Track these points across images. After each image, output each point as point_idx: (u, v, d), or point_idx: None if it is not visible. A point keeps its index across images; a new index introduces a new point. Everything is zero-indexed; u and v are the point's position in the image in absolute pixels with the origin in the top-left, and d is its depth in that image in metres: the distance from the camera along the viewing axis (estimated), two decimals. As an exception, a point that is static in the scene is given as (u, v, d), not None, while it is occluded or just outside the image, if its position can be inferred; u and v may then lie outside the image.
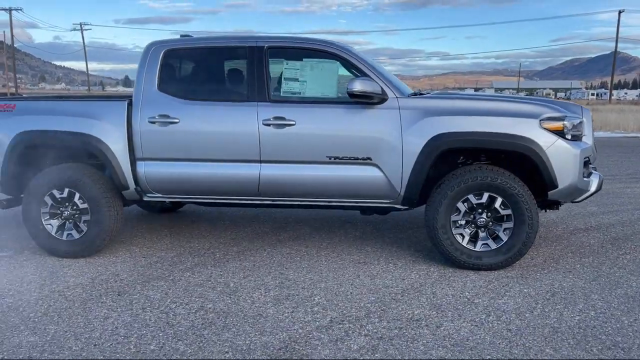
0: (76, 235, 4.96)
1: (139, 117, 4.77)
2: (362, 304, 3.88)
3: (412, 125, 4.43)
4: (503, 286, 4.17)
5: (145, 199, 5.05)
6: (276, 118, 4.58)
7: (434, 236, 4.49)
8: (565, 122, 4.34)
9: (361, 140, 4.51)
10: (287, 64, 4.74)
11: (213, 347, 3.29)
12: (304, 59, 4.74)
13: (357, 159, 4.53)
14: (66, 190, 4.90)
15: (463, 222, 4.50)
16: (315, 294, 4.08)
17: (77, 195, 4.89)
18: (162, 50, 4.87)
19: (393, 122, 4.46)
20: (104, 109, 4.88)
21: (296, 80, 4.70)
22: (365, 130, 4.52)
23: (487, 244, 4.47)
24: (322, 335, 3.40)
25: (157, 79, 4.82)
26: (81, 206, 4.91)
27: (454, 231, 4.48)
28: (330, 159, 4.57)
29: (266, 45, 4.73)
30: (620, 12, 58.75)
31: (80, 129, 4.81)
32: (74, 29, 78.87)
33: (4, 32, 66.55)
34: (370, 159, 4.51)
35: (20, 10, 72.95)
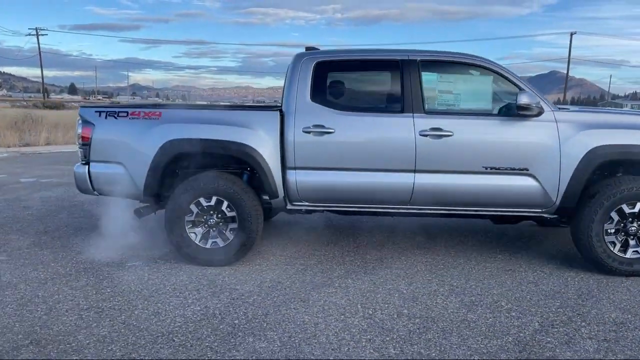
0: (221, 244, 4.94)
1: (293, 126, 4.82)
2: (553, 309, 4.03)
3: (570, 137, 4.64)
4: (667, 291, 4.42)
5: (288, 207, 5.08)
6: (433, 129, 4.71)
7: (588, 244, 4.70)
8: None
9: (519, 151, 4.69)
10: (440, 77, 4.89)
11: (452, 350, 3.37)
12: (456, 73, 4.91)
13: (514, 169, 4.71)
14: (214, 198, 4.88)
15: (613, 231, 4.73)
16: (498, 300, 4.20)
17: (226, 203, 4.88)
18: (313, 62, 4.94)
19: (551, 135, 4.66)
20: (257, 118, 4.90)
21: (450, 92, 4.86)
22: (523, 142, 4.70)
23: (637, 250, 4.71)
24: (548, 338, 3.53)
25: (309, 90, 4.88)
26: (229, 214, 4.90)
27: (606, 239, 4.70)
28: (486, 169, 4.72)
29: (419, 58, 4.87)
30: (572, 34, 61.18)
31: (233, 137, 4.81)
32: (29, 34, 76.05)
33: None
34: (527, 170, 4.69)
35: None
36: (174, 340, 3.49)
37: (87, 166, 5.02)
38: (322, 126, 4.79)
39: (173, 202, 4.90)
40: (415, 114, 4.76)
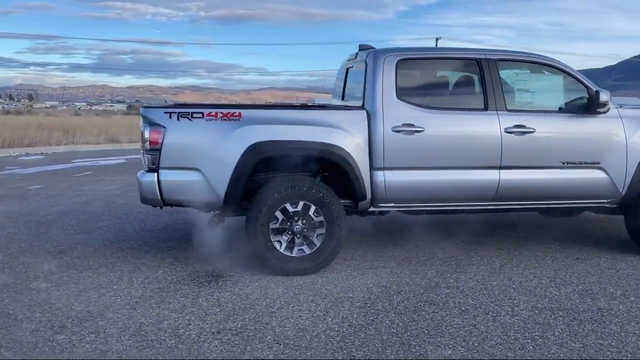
0: (307, 251, 4.68)
1: (382, 126, 4.69)
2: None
3: (635, 131, 5.01)
4: None
5: (370, 209, 4.94)
6: (517, 126, 4.85)
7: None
8: None
9: (591, 146, 4.98)
10: (517, 75, 5.03)
11: (622, 338, 3.50)
12: (530, 72, 5.08)
13: (587, 163, 4.99)
14: (301, 203, 4.61)
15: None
16: (604, 287, 4.42)
17: (313, 208, 4.63)
18: (395, 60, 4.84)
19: (618, 129, 5.01)
20: (345, 118, 4.71)
21: (527, 90, 5.03)
22: (595, 137, 5.00)
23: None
24: (690, 318, 3.81)
25: (395, 88, 4.78)
26: (316, 219, 4.66)
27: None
28: (563, 163, 4.96)
29: (496, 57, 4.98)
30: (437, 39, 65.11)
31: (323, 138, 4.58)
32: None
33: None
34: (599, 163, 5.00)
35: None
36: (354, 356, 3.26)
37: (155, 174, 4.48)
38: (412, 125, 4.71)
39: (256, 209, 4.55)
40: (499, 112, 4.86)
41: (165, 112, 4.47)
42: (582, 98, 5.00)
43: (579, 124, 4.99)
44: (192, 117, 4.48)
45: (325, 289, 4.38)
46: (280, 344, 3.41)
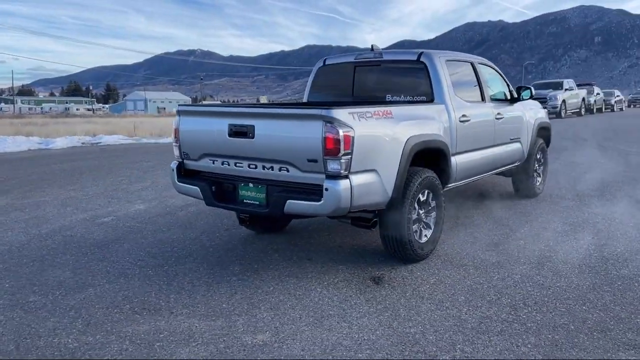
0: (429, 235, 5.11)
1: (455, 117, 5.45)
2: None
3: (527, 113, 7.29)
4: None
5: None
6: (499, 114, 6.44)
7: (531, 181, 7.54)
8: None
9: (520, 126, 7.00)
10: (489, 74, 6.55)
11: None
12: (488, 71, 6.67)
13: (515, 139, 7.00)
14: (426, 192, 5.03)
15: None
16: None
17: (431, 195, 5.10)
18: (444, 60, 5.63)
19: (522, 113, 7.18)
20: (438, 111, 5.26)
21: (489, 86, 6.60)
22: (521, 119, 7.05)
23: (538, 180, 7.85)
24: None
25: (452, 84, 5.57)
26: (432, 205, 5.13)
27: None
28: (511, 140, 6.83)
29: (477, 61, 6.38)
30: None
31: (438, 131, 5.12)
32: None
33: None
34: (519, 139, 7.08)
35: None
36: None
37: (348, 180, 4.10)
38: (466, 115, 5.66)
39: (401, 203, 4.71)
40: (490, 103, 6.32)
41: (349, 113, 4.14)
42: (512, 91, 6.93)
43: (516, 110, 6.93)
44: (366, 117, 4.29)
45: (471, 263, 4.99)
46: (552, 322, 3.95)
